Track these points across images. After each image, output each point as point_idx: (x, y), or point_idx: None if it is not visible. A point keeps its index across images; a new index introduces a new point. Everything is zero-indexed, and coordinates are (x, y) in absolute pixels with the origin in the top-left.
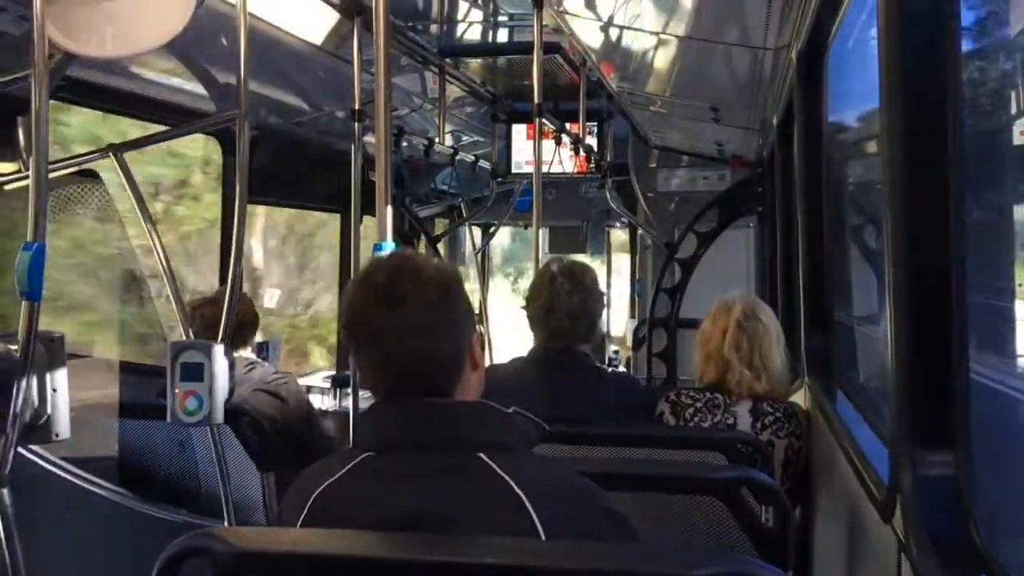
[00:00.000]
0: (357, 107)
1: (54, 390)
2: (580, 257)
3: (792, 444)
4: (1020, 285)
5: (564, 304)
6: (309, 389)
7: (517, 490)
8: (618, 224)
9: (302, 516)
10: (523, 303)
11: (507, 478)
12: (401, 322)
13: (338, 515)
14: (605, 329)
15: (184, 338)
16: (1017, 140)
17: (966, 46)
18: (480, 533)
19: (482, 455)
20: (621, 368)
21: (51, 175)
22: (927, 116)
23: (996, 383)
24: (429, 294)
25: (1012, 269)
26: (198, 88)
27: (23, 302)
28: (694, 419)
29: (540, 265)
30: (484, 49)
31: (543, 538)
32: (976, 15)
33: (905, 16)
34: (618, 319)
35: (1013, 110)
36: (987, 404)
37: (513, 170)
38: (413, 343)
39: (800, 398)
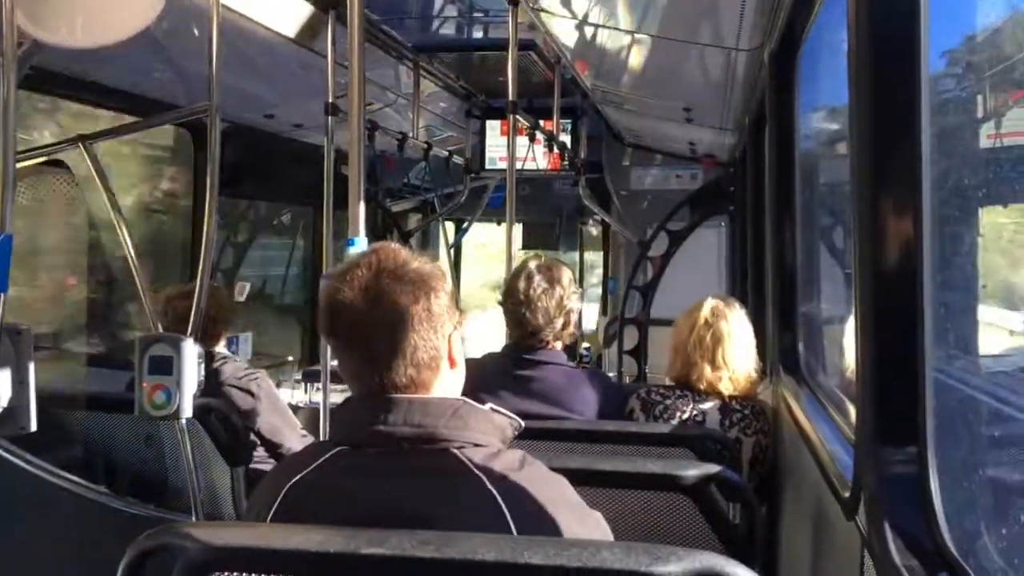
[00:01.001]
0: (331, 101)
1: (20, 383)
2: (553, 254)
3: (760, 442)
4: (984, 286)
5: (540, 304)
6: (280, 384)
7: (490, 486)
8: (591, 221)
9: (273, 510)
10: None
11: (480, 475)
12: (380, 318)
13: (310, 509)
14: (579, 328)
15: (153, 331)
16: (984, 143)
17: (934, 49)
18: (453, 529)
19: (456, 452)
20: (591, 364)
21: (19, 165)
22: (895, 117)
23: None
24: (408, 292)
25: (976, 269)
26: (169, 79)
27: None
28: (663, 416)
29: (513, 261)
30: (459, 45)
31: (515, 533)
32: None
33: (874, 18)
34: (590, 316)
35: (980, 113)
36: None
37: (487, 166)
38: (389, 341)
39: (768, 396)
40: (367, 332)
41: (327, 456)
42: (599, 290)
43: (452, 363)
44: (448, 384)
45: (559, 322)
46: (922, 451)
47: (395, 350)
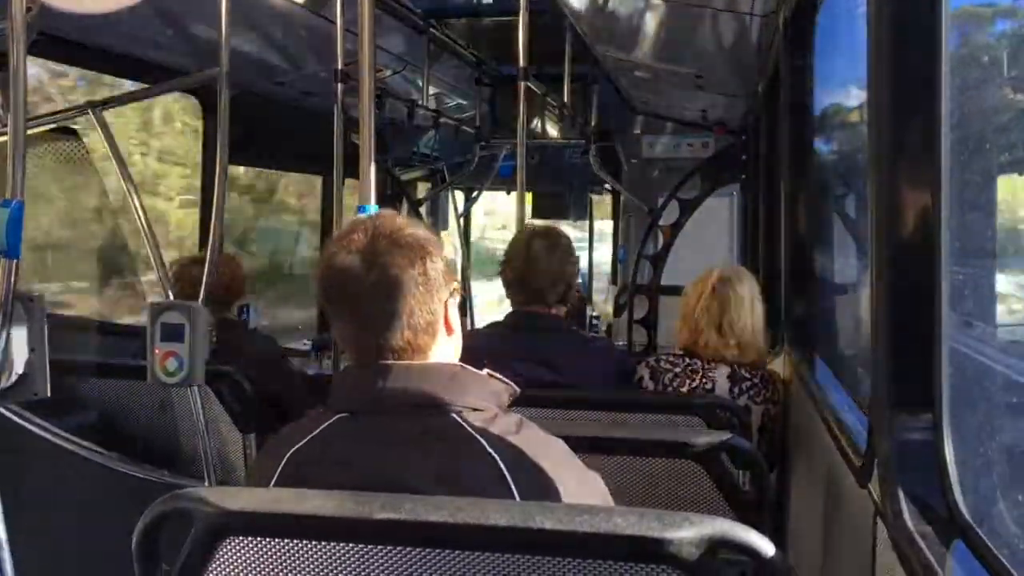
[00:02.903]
0: (340, 68)
1: (33, 349)
2: (562, 223)
3: (768, 410)
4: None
5: (541, 266)
6: (290, 351)
7: (490, 450)
8: (601, 190)
9: (275, 477)
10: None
11: (480, 439)
12: (375, 284)
13: (312, 476)
14: (585, 293)
15: (165, 298)
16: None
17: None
18: (454, 492)
19: (455, 416)
20: (601, 334)
21: (30, 132)
22: (915, 82)
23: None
24: (404, 257)
25: (993, 236)
26: (179, 45)
27: (1, 260)
28: (672, 384)
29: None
30: (469, 10)
31: (517, 497)
32: None
33: None
34: (600, 285)
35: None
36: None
37: (496, 134)
38: (386, 305)
39: (779, 365)
40: (364, 297)
41: (327, 424)
42: (609, 259)
43: (449, 329)
44: (445, 349)
45: (561, 286)
46: (937, 417)
47: (392, 315)
